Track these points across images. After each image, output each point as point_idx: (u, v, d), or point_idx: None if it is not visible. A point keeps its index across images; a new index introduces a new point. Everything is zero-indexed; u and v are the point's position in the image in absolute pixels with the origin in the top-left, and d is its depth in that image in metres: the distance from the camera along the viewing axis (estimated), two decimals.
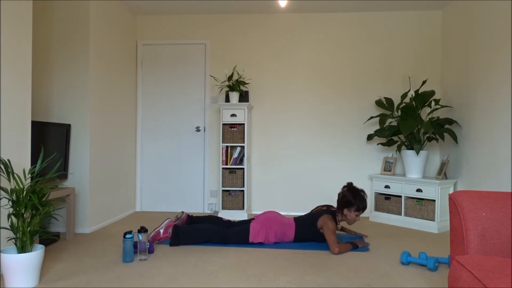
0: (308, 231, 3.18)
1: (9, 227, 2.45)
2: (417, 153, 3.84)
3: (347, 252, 2.98)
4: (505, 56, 3.16)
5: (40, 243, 2.97)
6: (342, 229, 3.47)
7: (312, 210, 3.43)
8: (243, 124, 4.29)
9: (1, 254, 2.17)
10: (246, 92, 4.47)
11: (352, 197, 3.10)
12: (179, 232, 3.09)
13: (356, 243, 3.04)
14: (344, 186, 3.23)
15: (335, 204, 3.41)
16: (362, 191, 3.16)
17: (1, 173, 2.38)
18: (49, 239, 3.16)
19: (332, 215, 3.15)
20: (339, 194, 3.21)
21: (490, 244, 1.61)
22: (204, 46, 4.67)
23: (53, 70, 3.58)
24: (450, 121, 3.93)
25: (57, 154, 3.29)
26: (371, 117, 4.26)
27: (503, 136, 3.20)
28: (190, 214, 3.46)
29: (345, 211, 3.14)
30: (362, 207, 3.11)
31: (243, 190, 4.31)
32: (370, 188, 4.49)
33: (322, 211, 3.21)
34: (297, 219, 3.26)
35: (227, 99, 4.39)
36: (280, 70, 4.61)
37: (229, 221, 3.36)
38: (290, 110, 4.60)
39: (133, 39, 4.61)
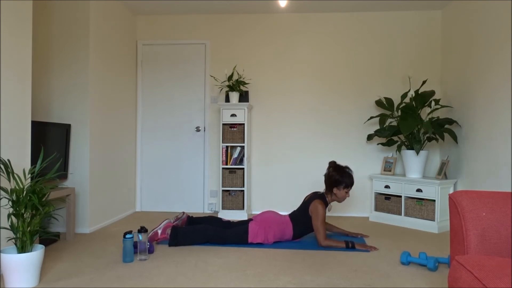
0: (304, 224, 3.21)
1: (9, 227, 2.45)
2: (417, 153, 3.85)
3: (339, 250, 3.00)
4: (505, 56, 3.16)
5: (40, 243, 2.96)
6: (346, 232, 3.48)
7: (303, 200, 3.46)
8: (243, 124, 4.29)
9: (1, 254, 2.17)
10: (246, 92, 4.46)
11: (339, 176, 3.21)
12: (178, 233, 3.08)
13: (352, 243, 3.04)
14: (329, 167, 3.31)
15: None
16: (347, 167, 3.27)
17: (1, 173, 2.38)
18: (49, 239, 3.16)
19: (321, 199, 3.21)
20: (325, 175, 3.30)
21: (490, 244, 1.61)
22: (204, 46, 4.67)
23: (53, 70, 3.58)
24: (450, 121, 3.93)
25: (57, 154, 3.29)
26: (371, 117, 4.26)
27: (503, 136, 3.19)
28: (190, 215, 3.46)
29: (335, 190, 3.23)
30: (350, 183, 3.22)
31: (243, 190, 4.31)
32: (370, 188, 4.49)
33: (311, 197, 3.26)
34: (292, 215, 3.29)
35: (227, 99, 4.39)
36: (280, 70, 4.60)
37: (228, 221, 3.36)
38: (290, 110, 4.60)
39: (133, 39, 4.61)
